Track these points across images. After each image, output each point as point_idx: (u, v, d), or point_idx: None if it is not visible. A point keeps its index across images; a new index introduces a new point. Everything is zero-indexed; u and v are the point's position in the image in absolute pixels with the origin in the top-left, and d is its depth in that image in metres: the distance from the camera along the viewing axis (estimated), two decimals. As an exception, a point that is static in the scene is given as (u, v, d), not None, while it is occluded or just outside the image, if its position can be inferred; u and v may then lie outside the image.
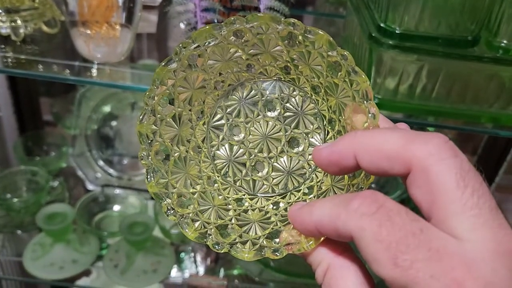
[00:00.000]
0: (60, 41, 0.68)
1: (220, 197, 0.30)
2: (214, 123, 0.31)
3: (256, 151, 0.31)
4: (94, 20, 0.60)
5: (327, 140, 0.30)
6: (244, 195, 0.31)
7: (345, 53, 0.26)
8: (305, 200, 0.30)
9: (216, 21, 0.54)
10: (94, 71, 0.63)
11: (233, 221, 0.29)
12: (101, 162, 0.99)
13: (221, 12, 0.54)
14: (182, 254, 0.93)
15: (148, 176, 0.29)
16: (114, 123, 1.01)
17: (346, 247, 0.25)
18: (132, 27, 0.61)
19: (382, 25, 0.52)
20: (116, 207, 0.94)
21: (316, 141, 0.30)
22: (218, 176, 0.31)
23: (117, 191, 0.95)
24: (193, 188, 0.30)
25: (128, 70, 0.65)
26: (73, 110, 0.97)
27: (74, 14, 0.58)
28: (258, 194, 0.31)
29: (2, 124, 1.06)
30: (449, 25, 0.51)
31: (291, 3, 0.60)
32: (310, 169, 0.30)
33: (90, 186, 0.97)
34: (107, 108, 1.00)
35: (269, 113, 0.31)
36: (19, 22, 0.64)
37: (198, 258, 0.92)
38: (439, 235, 0.20)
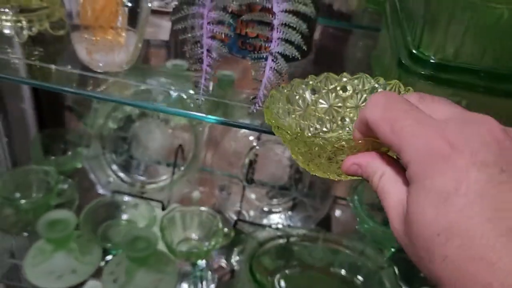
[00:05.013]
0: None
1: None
2: None
3: None
4: (98, 25, 0.55)
5: None
6: None
7: None
8: None
9: (223, 35, 0.47)
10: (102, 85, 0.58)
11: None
12: (114, 166, 0.96)
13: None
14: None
15: None
16: (132, 126, 0.97)
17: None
18: (138, 33, 0.56)
19: (414, 51, 0.44)
20: (125, 216, 0.90)
21: None
22: None
23: (127, 198, 0.91)
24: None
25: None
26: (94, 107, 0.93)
27: (72, 16, 0.53)
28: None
29: (25, 118, 1.05)
30: (495, 54, 0.43)
31: (315, 13, 0.52)
32: None
33: (101, 190, 0.94)
34: (128, 108, 0.95)
35: None
36: (25, 22, 0.61)
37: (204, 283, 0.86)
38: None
